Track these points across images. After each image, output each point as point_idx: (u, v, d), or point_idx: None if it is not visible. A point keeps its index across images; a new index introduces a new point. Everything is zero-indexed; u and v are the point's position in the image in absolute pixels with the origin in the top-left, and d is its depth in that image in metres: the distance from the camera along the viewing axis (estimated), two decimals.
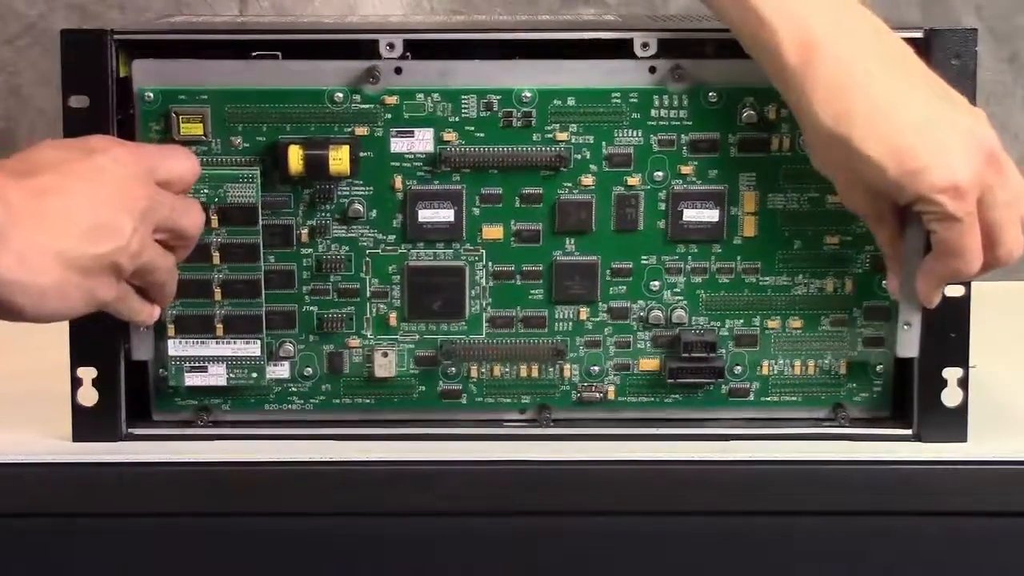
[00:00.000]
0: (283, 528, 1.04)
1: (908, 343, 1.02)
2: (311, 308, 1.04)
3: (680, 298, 1.05)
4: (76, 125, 1.00)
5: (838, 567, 1.05)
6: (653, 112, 1.02)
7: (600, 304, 1.05)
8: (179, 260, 0.97)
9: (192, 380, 1.05)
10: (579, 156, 1.02)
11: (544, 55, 1.02)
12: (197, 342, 1.04)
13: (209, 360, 1.04)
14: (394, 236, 1.03)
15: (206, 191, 1.01)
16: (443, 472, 1.03)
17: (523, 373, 1.06)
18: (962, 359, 1.04)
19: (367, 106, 1.01)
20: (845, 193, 0.97)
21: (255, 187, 1.01)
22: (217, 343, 1.04)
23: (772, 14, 0.94)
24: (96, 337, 1.02)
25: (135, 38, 1.02)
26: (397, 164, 1.02)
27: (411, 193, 1.02)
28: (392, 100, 1.01)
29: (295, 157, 1.00)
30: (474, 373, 1.06)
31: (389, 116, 1.01)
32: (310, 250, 1.04)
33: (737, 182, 1.03)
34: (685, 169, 1.03)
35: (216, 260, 1.02)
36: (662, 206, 1.03)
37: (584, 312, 1.05)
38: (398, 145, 1.02)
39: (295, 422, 1.06)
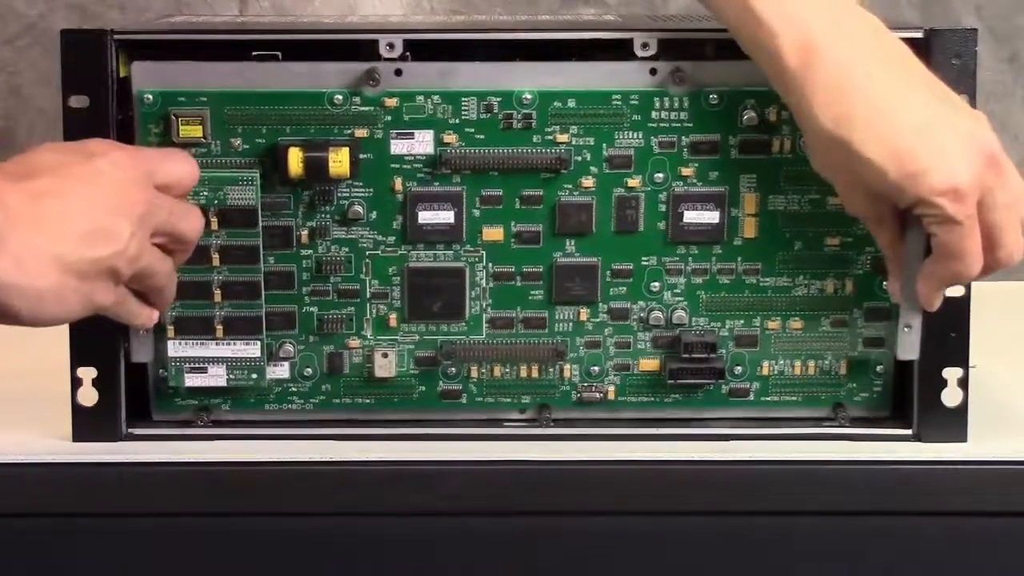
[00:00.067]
0: (283, 528, 1.04)
1: (909, 345, 1.02)
2: (311, 309, 1.04)
3: (680, 299, 1.05)
4: (76, 125, 1.00)
5: (838, 567, 1.05)
6: (654, 114, 1.02)
7: (600, 305, 1.05)
8: (178, 264, 0.96)
9: (192, 381, 1.05)
10: (579, 158, 1.02)
11: (544, 55, 1.02)
12: (197, 343, 1.04)
13: (209, 361, 1.04)
14: (394, 237, 1.03)
15: (206, 193, 1.01)
16: (443, 472, 1.03)
17: (523, 373, 1.06)
18: (962, 359, 1.04)
19: (367, 108, 1.01)
20: (845, 196, 0.97)
21: (255, 189, 1.01)
22: (217, 344, 1.04)
23: (771, 16, 0.94)
24: (96, 337, 1.02)
25: (135, 38, 1.02)
26: (397, 166, 1.02)
27: (411, 195, 1.02)
28: (392, 102, 1.01)
29: (295, 159, 1.00)
30: (474, 373, 1.06)
31: (389, 118, 1.01)
32: (310, 251, 1.03)
33: (738, 184, 1.03)
34: (686, 171, 1.02)
35: (216, 262, 1.02)
36: (663, 207, 1.03)
37: (584, 313, 1.05)
38: (398, 147, 1.02)
39: (295, 422, 1.06)
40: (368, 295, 1.04)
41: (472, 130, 1.02)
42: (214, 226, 1.01)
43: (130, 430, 1.05)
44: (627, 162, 1.02)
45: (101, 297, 0.90)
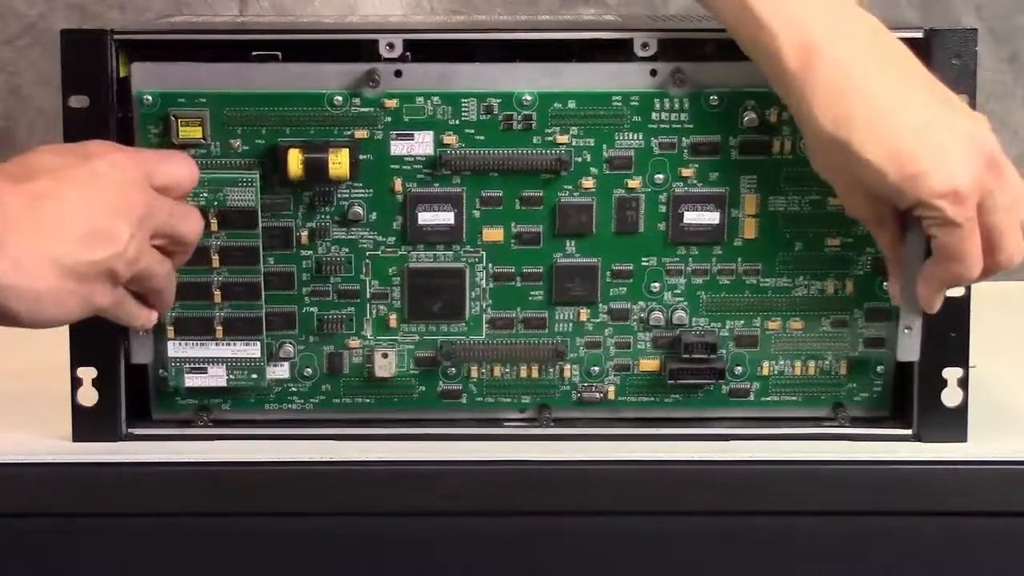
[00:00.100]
0: (283, 528, 1.04)
1: (909, 347, 1.02)
2: (311, 309, 1.04)
3: (680, 299, 1.05)
4: (76, 125, 1.00)
5: (838, 567, 1.05)
6: (654, 115, 1.02)
7: (600, 305, 1.05)
8: (177, 266, 0.96)
9: (192, 381, 1.05)
10: (580, 159, 1.02)
11: (544, 55, 1.02)
12: (197, 343, 1.04)
13: (209, 361, 1.04)
14: (394, 238, 1.03)
15: (205, 194, 1.01)
16: (443, 472, 1.03)
17: (523, 373, 1.06)
18: (962, 359, 1.04)
19: (367, 109, 1.01)
20: (845, 197, 0.97)
21: (254, 191, 1.01)
22: (217, 344, 1.04)
23: (771, 18, 0.94)
24: (96, 337, 1.02)
25: (135, 38, 1.02)
26: (397, 167, 1.02)
27: (411, 196, 1.02)
28: (392, 103, 1.01)
29: (295, 161, 1.00)
30: (474, 373, 1.06)
31: (389, 119, 1.01)
32: (310, 252, 1.03)
33: (738, 185, 1.03)
34: (686, 172, 1.02)
35: (216, 263, 1.02)
36: (663, 208, 1.03)
37: (584, 313, 1.05)
38: (398, 148, 1.02)
39: (295, 422, 1.06)
40: (368, 295, 1.04)
41: (472, 131, 1.01)
42: (214, 227, 1.01)
43: (130, 430, 1.05)
44: (627, 163, 1.02)
45: (100, 299, 0.90)
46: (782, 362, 1.06)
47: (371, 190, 1.02)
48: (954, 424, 1.05)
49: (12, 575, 1.05)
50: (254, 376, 1.05)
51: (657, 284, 1.04)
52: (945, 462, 1.03)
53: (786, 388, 1.07)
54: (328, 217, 1.03)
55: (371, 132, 1.01)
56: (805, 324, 1.05)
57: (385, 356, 1.05)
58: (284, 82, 1.01)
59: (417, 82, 1.01)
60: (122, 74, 1.01)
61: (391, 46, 1.01)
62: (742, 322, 1.05)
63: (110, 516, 1.04)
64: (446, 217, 1.03)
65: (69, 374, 1.04)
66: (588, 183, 1.02)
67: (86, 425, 1.04)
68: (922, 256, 0.97)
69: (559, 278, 1.04)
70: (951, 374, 1.04)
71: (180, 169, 0.96)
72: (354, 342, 1.05)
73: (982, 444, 1.04)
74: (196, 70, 1.01)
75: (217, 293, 1.03)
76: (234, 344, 1.04)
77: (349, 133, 1.01)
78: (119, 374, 1.04)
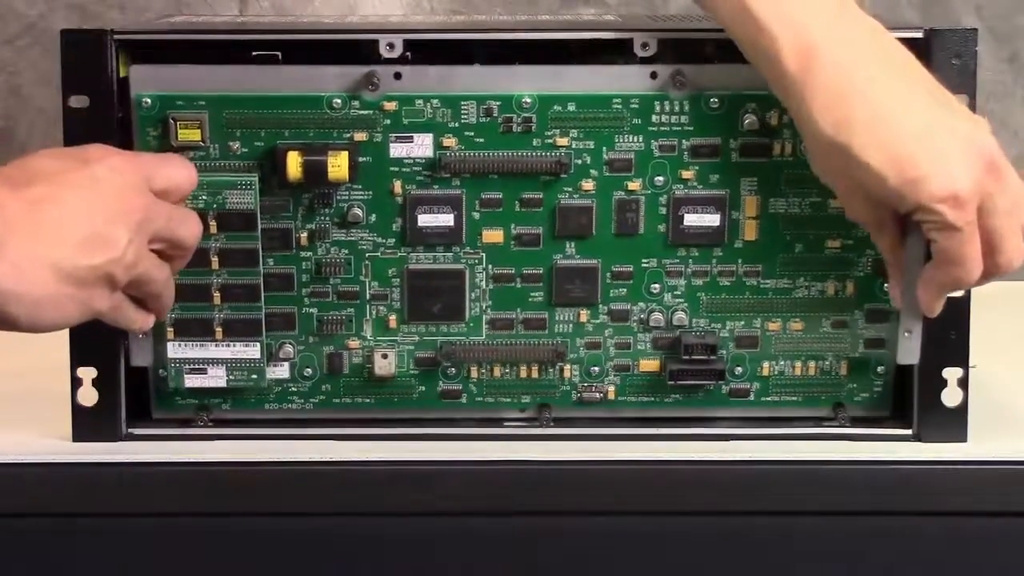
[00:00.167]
0: (283, 528, 1.04)
1: (909, 350, 1.03)
2: (311, 310, 1.04)
3: (681, 300, 1.05)
4: (76, 125, 1.00)
5: (838, 567, 1.05)
6: (654, 118, 1.02)
7: (600, 306, 1.05)
8: (176, 270, 0.96)
9: (192, 382, 1.05)
10: (580, 161, 1.02)
11: (544, 56, 1.02)
12: (196, 344, 1.04)
13: (208, 362, 1.04)
14: (393, 240, 1.03)
15: (204, 197, 1.01)
16: (443, 472, 1.03)
17: (523, 374, 1.06)
18: (962, 359, 1.04)
19: (366, 112, 1.01)
20: (845, 201, 0.97)
21: (253, 193, 1.01)
22: (216, 346, 1.04)
23: (771, 20, 0.94)
24: (96, 337, 1.02)
25: (135, 38, 1.01)
26: (396, 169, 1.02)
27: (411, 198, 1.02)
28: (391, 106, 1.01)
29: (293, 163, 1.00)
30: (474, 373, 1.06)
31: (388, 122, 1.01)
32: (309, 253, 1.03)
33: (738, 187, 1.03)
34: (686, 174, 1.02)
35: (215, 265, 1.02)
36: (663, 210, 1.03)
37: (584, 314, 1.05)
38: (397, 150, 1.02)
39: (295, 422, 1.06)
40: (368, 296, 1.04)
41: (472, 134, 1.01)
42: (213, 229, 1.01)
43: (130, 430, 1.05)
44: (627, 165, 1.02)
45: (98, 304, 0.90)
46: (782, 362, 1.06)
47: (370, 192, 1.02)
48: (954, 424, 1.05)
49: (12, 575, 1.05)
50: (254, 377, 1.05)
51: (657, 285, 1.04)
52: (945, 462, 1.03)
53: (786, 388, 1.07)
54: (327, 219, 1.03)
55: (370, 134, 1.01)
56: (805, 325, 1.05)
57: (385, 356, 1.05)
58: (283, 84, 1.01)
59: (416, 84, 1.01)
60: (122, 74, 1.01)
61: (391, 46, 1.01)
62: (742, 323, 1.05)
63: (110, 516, 1.04)
64: (446, 219, 1.03)
65: (69, 374, 1.04)
66: (588, 185, 1.02)
67: (86, 425, 1.04)
68: (922, 260, 0.97)
69: (559, 279, 1.04)
70: (951, 374, 1.04)
71: (179, 173, 0.96)
72: (354, 342, 1.05)
73: (982, 444, 1.04)
74: (195, 72, 1.01)
75: (217, 295, 1.03)
76: (234, 345, 1.04)
77: (348, 135, 1.01)
78: (119, 374, 1.04)
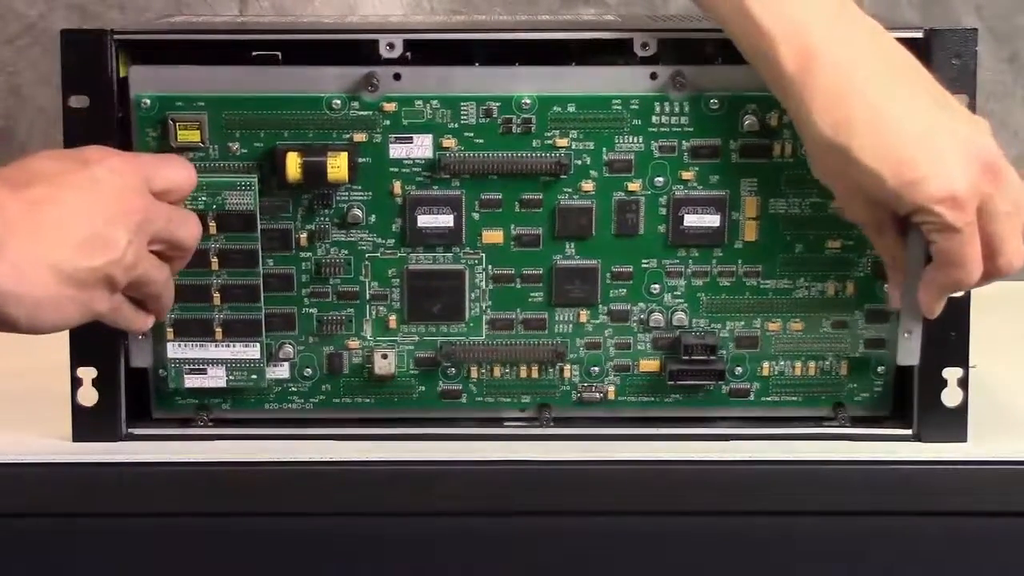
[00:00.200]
0: (283, 528, 1.04)
1: (909, 351, 1.03)
2: (311, 311, 1.04)
3: (680, 301, 1.05)
4: (76, 125, 1.00)
5: (838, 567, 1.05)
6: (654, 119, 1.02)
7: (600, 307, 1.05)
8: (175, 271, 0.96)
9: (191, 382, 1.05)
10: (579, 162, 1.02)
11: (544, 56, 1.02)
12: (196, 345, 1.04)
13: (208, 363, 1.04)
14: (393, 240, 1.03)
15: (204, 198, 1.01)
16: (443, 472, 1.03)
17: (523, 374, 1.06)
18: (962, 359, 1.04)
19: (366, 112, 1.01)
20: (844, 202, 0.97)
21: (253, 194, 1.01)
22: (216, 346, 1.04)
23: (770, 22, 0.94)
24: (96, 337, 1.02)
25: (135, 38, 1.01)
26: (396, 170, 1.02)
27: (410, 198, 1.02)
28: (391, 107, 1.01)
29: (293, 164, 1.00)
30: (474, 374, 1.06)
31: (388, 122, 1.01)
32: (309, 254, 1.03)
33: (738, 187, 1.03)
34: (686, 175, 1.02)
35: (215, 266, 1.02)
36: (663, 211, 1.03)
37: (584, 314, 1.05)
38: (397, 151, 1.02)
39: (295, 422, 1.06)
40: (368, 297, 1.04)
41: (471, 134, 1.01)
42: (212, 230, 1.01)
43: (130, 430, 1.06)
44: (627, 166, 1.02)
45: (98, 305, 0.90)
46: (782, 362, 1.06)
47: (370, 193, 1.02)
48: (954, 424, 1.05)
49: (12, 575, 1.05)
50: (254, 377, 1.05)
51: (657, 286, 1.04)
52: (945, 462, 1.03)
53: (786, 388, 1.07)
54: (327, 219, 1.03)
55: (370, 135, 1.01)
56: (805, 325, 1.05)
57: (385, 356, 1.05)
58: (282, 85, 1.01)
59: (416, 85, 1.01)
60: (122, 74, 1.01)
61: (391, 46, 1.01)
62: (742, 323, 1.05)
63: (110, 516, 1.04)
64: (445, 219, 1.03)
65: (69, 374, 1.04)
66: (588, 186, 1.02)
67: (86, 425, 1.04)
68: (922, 262, 0.97)
69: (559, 280, 1.04)
70: (951, 374, 1.04)
71: (178, 173, 0.96)
72: (354, 343, 1.05)
73: (982, 444, 1.04)
74: (194, 73, 1.01)
75: (216, 295, 1.03)
76: (233, 346, 1.04)
77: (348, 136, 1.01)
78: (119, 374, 1.04)
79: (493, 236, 1.03)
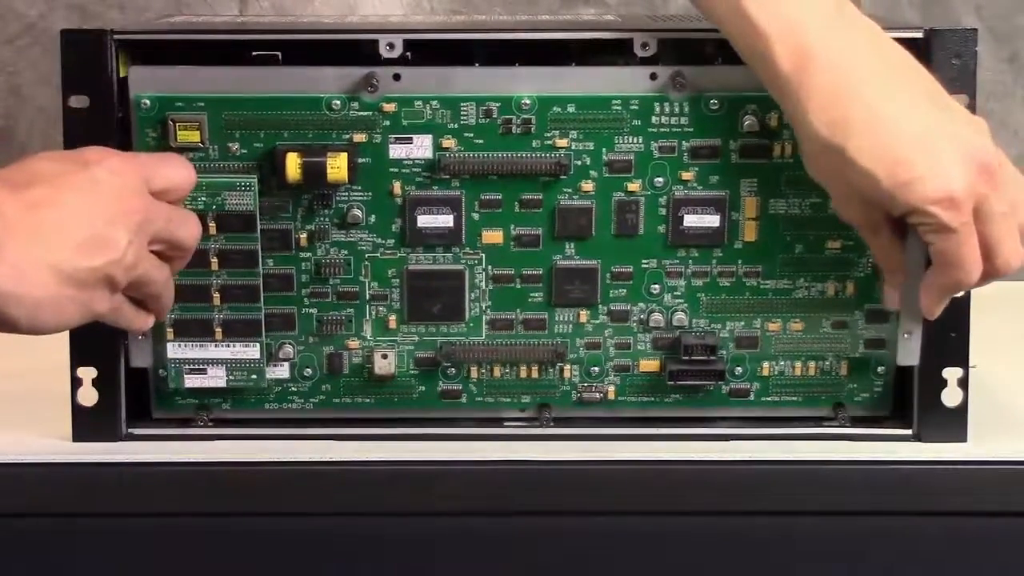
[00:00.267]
0: (283, 528, 1.04)
1: (909, 352, 1.03)
2: (310, 311, 1.04)
3: (680, 301, 1.05)
4: (76, 125, 1.00)
5: (838, 567, 1.05)
6: (654, 119, 1.02)
7: (600, 307, 1.05)
8: (175, 271, 0.96)
9: (191, 382, 1.05)
10: (579, 162, 1.02)
11: (544, 56, 1.02)
12: (196, 345, 1.04)
13: (208, 363, 1.04)
14: (393, 240, 1.03)
15: (203, 199, 1.01)
16: (443, 472, 1.03)
17: (523, 374, 1.06)
18: (962, 359, 1.04)
19: (366, 113, 1.01)
20: (839, 202, 0.97)
21: (253, 195, 1.01)
22: (216, 346, 1.04)
23: (767, 22, 0.94)
24: (96, 337, 1.02)
25: (135, 38, 1.01)
26: (396, 170, 1.02)
27: (410, 199, 1.02)
28: (390, 107, 1.01)
29: (292, 164, 1.00)
30: (474, 374, 1.06)
31: (388, 123, 1.01)
32: (309, 254, 1.03)
33: (738, 188, 1.03)
34: (686, 175, 1.02)
35: (215, 266, 1.02)
36: (663, 211, 1.03)
37: (584, 314, 1.05)
38: (397, 151, 1.02)
39: (295, 422, 1.06)
40: (367, 297, 1.04)
41: (471, 135, 1.01)
42: (212, 231, 1.01)
43: (130, 430, 1.06)
44: (627, 166, 1.02)
45: (99, 306, 0.90)
46: (782, 363, 1.06)
47: (370, 193, 1.02)
48: (954, 424, 1.05)
49: (12, 575, 1.05)
50: (254, 377, 1.05)
51: (657, 286, 1.04)
52: (945, 462, 1.03)
53: (786, 388, 1.07)
54: (327, 220, 1.03)
55: (370, 136, 1.01)
56: (805, 325, 1.05)
57: (385, 356, 1.05)
58: (282, 86, 1.01)
59: (416, 86, 1.01)
60: (122, 74, 1.01)
61: (391, 46, 1.01)
62: (742, 323, 1.05)
63: (110, 516, 1.04)
64: (445, 220, 1.03)
65: (69, 374, 1.04)
66: (588, 186, 1.02)
67: (86, 425, 1.04)
68: (922, 263, 0.97)
69: (559, 280, 1.04)
70: (951, 374, 1.04)
71: (178, 173, 0.96)
72: (354, 343, 1.05)
73: (982, 444, 1.04)
74: (194, 73, 1.01)
75: (216, 295, 1.03)
76: (233, 346, 1.04)
77: (347, 137, 1.01)
78: (119, 374, 1.04)
79: (493, 236, 1.03)
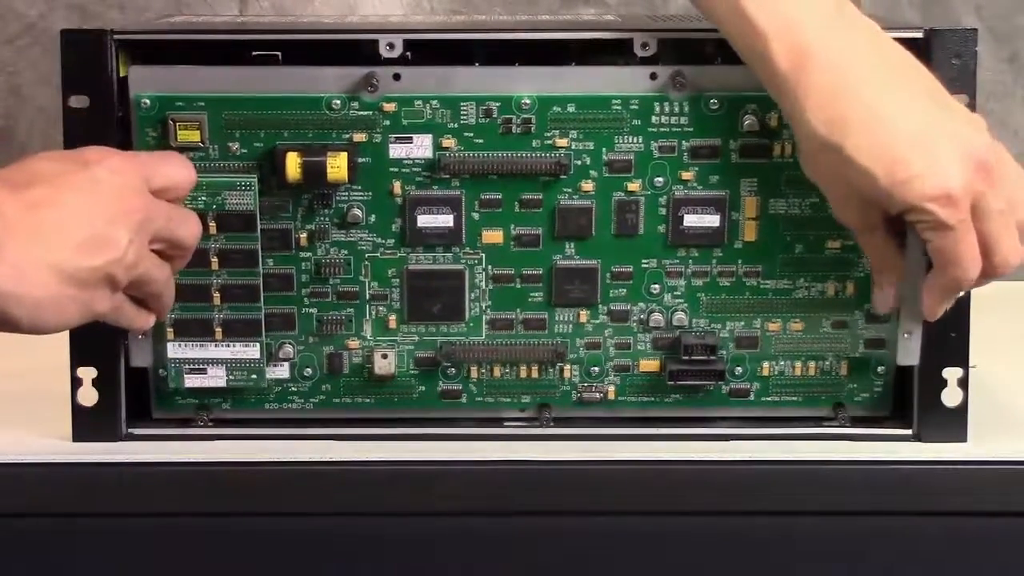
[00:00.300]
0: (283, 528, 1.04)
1: (909, 351, 1.03)
2: (310, 310, 1.04)
3: (680, 301, 1.05)
4: (76, 125, 1.00)
5: (838, 567, 1.05)
6: (654, 119, 1.02)
7: (600, 307, 1.05)
8: (176, 270, 0.96)
9: (191, 382, 1.05)
10: (579, 162, 1.02)
11: (544, 57, 1.02)
12: (196, 344, 1.04)
13: (208, 362, 1.04)
14: (393, 240, 1.03)
15: (204, 198, 1.01)
16: (443, 472, 1.03)
17: (523, 374, 1.06)
18: (962, 359, 1.04)
19: (366, 113, 1.01)
20: (836, 202, 0.97)
21: (253, 194, 1.01)
22: (216, 346, 1.04)
23: (765, 20, 0.94)
24: (96, 337, 1.02)
25: (135, 38, 1.01)
26: (396, 170, 1.02)
27: (410, 198, 1.02)
28: (391, 107, 1.01)
29: (292, 164, 1.00)
30: (474, 373, 1.06)
31: (388, 122, 1.01)
32: (309, 254, 1.03)
33: (738, 188, 1.03)
34: (686, 175, 1.02)
35: (215, 266, 1.02)
36: (663, 211, 1.03)
37: (584, 314, 1.05)
38: (397, 151, 1.02)
39: (295, 422, 1.06)
40: (368, 297, 1.04)
41: (471, 134, 1.01)
42: (212, 230, 1.01)
43: (130, 430, 1.06)
44: (627, 166, 1.02)
45: (100, 305, 0.90)
46: (782, 363, 1.06)
47: (370, 193, 1.02)
48: (954, 424, 1.05)
49: (12, 575, 1.05)
50: (253, 377, 1.05)
51: (657, 286, 1.04)
52: (945, 462, 1.03)
53: (786, 388, 1.07)
54: (327, 219, 1.03)
55: (370, 135, 1.01)
56: (805, 325, 1.05)
57: (385, 356, 1.05)
58: (282, 85, 1.01)
59: (416, 85, 1.01)
60: (122, 74, 1.01)
61: (391, 46, 1.01)
62: (742, 323, 1.05)
63: (110, 516, 1.04)
64: (445, 219, 1.03)
65: (69, 374, 1.04)
66: (588, 186, 1.02)
67: (86, 425, 1.04)
68: (922, 262, 0.97)
69: (559, 280, 1.04)
70: (951, 374, 1.04)
71: (177, 171, 0.96)
72: (354, 342, 1.05)
73: (982, 444, 1.04)
74: (194, 73, 1.01)
75: (216, 295, 1.03)
76: (233, 345, 1.04)
77: (347, 136, 1.01)
78: (119, 374, 1.04)
79: (493, 236, 1.03)
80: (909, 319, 1.01)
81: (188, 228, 0.95)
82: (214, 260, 1.02)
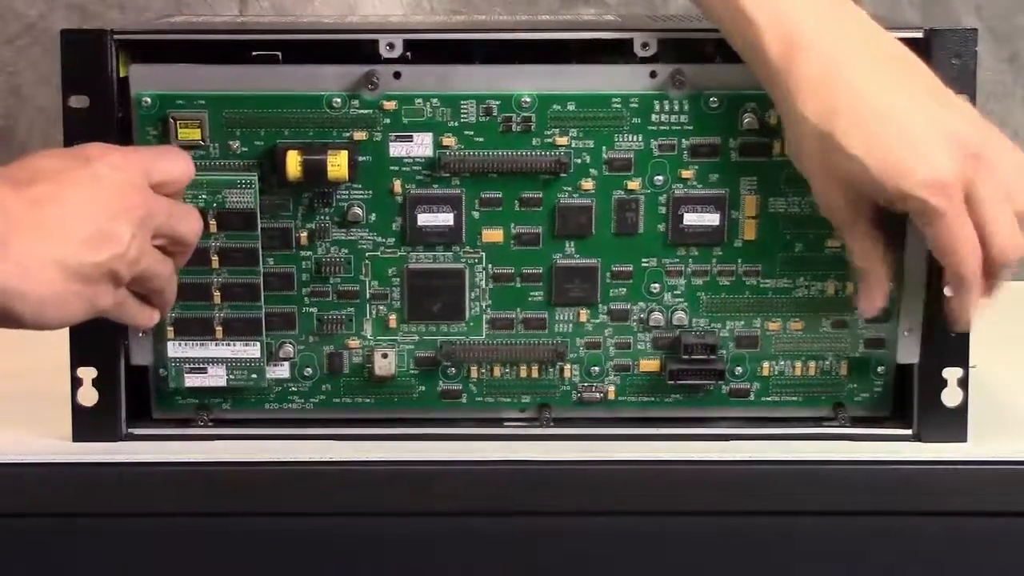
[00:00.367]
0: (283, 528, 1.04)
1: (909, 349, 1.03)
2: (311, 310, 1.04)
3: (680, 300, 1.05)
4: (76, 125, 1.00)
5: (838, 567, 1.05)
6: (654, 117, 1.02)
7: (600, 306, 1.05)
8: (178, 266, 0.96)
9: (192, 381, 1.05)
10: (579, 160, 1.02)
11: (544, 57, 1.02)
12: (197, 344, 1.04)
13: (209, 362, 1.04)
14: (393, 239, 1.03)
15: (204, 196, 1.01)
16: (443, 472, 1.03)
17: (523, 373, 1.06)
18: (962, 359, 1.04)
19: (366, 111, 1.01)
20: (823, 192, 0.96)
21: (253, 192, 1.01)
22: (216, 345, 1.04)
23: (757, 11, 0.94)
24: (96, 337, 1.02)
25: (135, 38, 1.02)
26: (396, 168, 1.02)
27: (410, 197, 1.02)
28: (391, 105, 1.01)
29: (293, 162, 1.00)
30: (474, 373, 1.06)
31: (388, 121, 1.01)
32: (309, 253, 1.03)
33: (738, 186, 1.03)
34: (686, 173, 1.02)
35: (215, 264, 1.02)
36: (663, 210, 1.03)
37: (584, 314, 1.05)
38: (397, 149, 1.02)
39: (295, 422, 1.06)
40: (368, 296, 1.04)
41: (471, 133, 1.01)
42: (213, 228, 1.01)
43: (130, 430, 1.05)
44: (627, 165, 1.02)
45: (103, 300, 0.90)
46: (782, 362, 1.06)
47: (370, 191, 1.02)
48: (954, 424, 1.05)
49: (12, 575, 1.05)
50: (254, 376, 1.05)
51: (657, 285, 1.04)
52: (945, 462, 1.03)
53: (786, 388, 1.07)
54: (327, 218, 1.03)
55: (370, 134, 1.01)
56: (805, 325, 1.05)
57: (385, 356, 1.05)
58: (283, 84, 1.01)
59: (416, 84, 1.01)
60: (122, 74, 1.01)
61: (391, 46, 1.01)
62: (742, 323, 1.05)
63: (110, 516, 1.04)
64: (445, 218, 1.03)
65: (69, 374, 1.04)
66: (588, 184, 1.02)
67: (86, 425, 1.04)
68: (923, 259, 0.97)
69: (559, 279, 1.04)
70: (951, 374, 1.04)
71: (176, 165, 0.96)
72: (354, 342, 1.05)
73: (982, 444, 1.04)
74: (195, 72, 1.01)
75: (217, 294, 1.03)
76: (234, 344, 1.04)
77: (348, 135, 1.01)
78: (119, 374, 1.04)
79: (493, 235, 1.03)
80: (909, 316, 1.01)
81: (189, 224, 0.95)
82: (214, 259, 1.02)
